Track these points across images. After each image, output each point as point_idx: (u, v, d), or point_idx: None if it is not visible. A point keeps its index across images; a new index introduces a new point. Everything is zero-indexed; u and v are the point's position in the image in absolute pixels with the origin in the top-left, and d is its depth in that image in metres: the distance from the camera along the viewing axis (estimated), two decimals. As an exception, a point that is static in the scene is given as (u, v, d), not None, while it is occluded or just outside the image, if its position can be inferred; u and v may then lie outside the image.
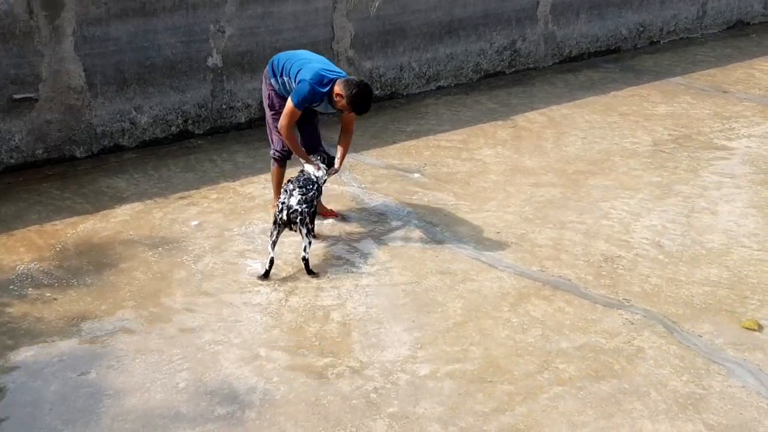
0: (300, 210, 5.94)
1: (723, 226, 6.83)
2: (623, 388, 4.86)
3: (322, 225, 6.65)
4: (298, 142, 6.46)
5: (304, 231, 5.95)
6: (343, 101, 6.11)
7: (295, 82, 6.22)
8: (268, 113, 6.59)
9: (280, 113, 6.37)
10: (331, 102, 6.25)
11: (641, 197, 7.31)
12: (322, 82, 6.14)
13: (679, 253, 6.38)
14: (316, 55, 6.48)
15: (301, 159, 6.43)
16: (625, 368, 5.03)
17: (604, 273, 6.09)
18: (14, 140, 7.47)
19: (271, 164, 6.76)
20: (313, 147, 6.60)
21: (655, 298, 5.78)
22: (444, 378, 4.92)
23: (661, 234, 6.67)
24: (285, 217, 5.94)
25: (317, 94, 6.13)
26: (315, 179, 6.26)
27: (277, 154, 6.66)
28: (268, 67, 6.52)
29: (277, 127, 6.45)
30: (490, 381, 4.90)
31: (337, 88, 6.12)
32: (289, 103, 6.16)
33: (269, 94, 6.51)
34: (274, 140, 6.65)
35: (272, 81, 6.45)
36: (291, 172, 6.65)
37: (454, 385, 4.86)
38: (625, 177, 7.73)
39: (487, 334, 5.36)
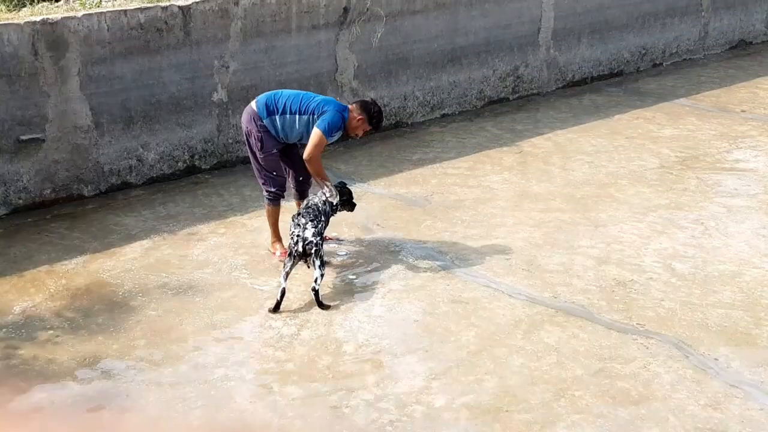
0: (315, 242, 5.98)
1: (734, 247, 6.79)
2: (641, 414, 4.81)
3: (330, 256, 6.63)
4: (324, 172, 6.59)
5: (318, 262, 5.96)
6: (365, 123, 6.47)
7: (310, 115, 6.35)
8: (259, 155, 6.51)
9: (273, 153, 6.49)
10: (345, 128, 6.46)
11: (651, 220, 7.29)
12: (345, 109, 6.44)
13: (691, 276, 6.34)
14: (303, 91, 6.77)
15: (325, 186, 6.46)
16: (642, 394, 4.99)
17: (616, 298, 6.05)
18: (22, 181, 7.49)
19: (266, 204, 6.73)
20: (306, 177, 6.67)
21: (670, 322, 5.74)
22: (460, 408, 4.88)
23: (672, 257, 6.63)
24: (300, 249, 5.97)
25: (342, 121, 6.38)
26: (325, 210, 6.28)
27: (271, 194, 6.64)
28: (257, 108, 6.45)
29: (268, 168, 6.53)
30: (506, 411, 4.86)
31: (356, 113, 6.45)
32: (319, 134, 6.28)
33: (259, 136, 6.44)
34: (266, 182, 6.62)
35: (265, 121, 6.40)
36: (285, 209, 6.65)
37: (470, 416, 4.82)
38: (634, 200, 7.71)
39: (502, 362, 5.32)
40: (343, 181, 6.94)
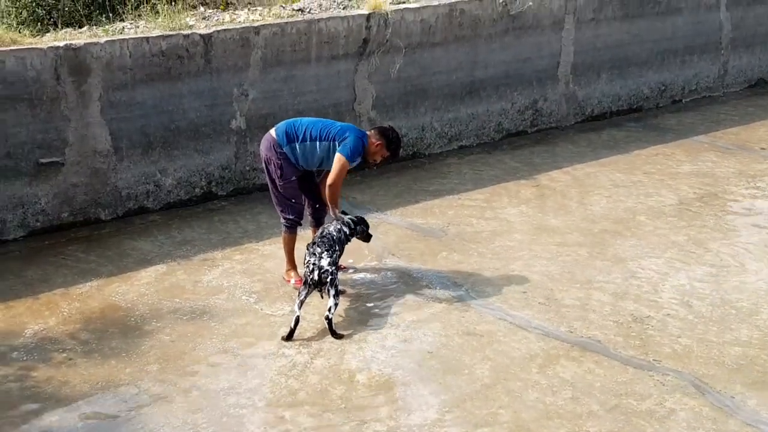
0: (330, 270, 5.98)
1: (752, 285, 6.73)
2: (657, 451, 4.76)
3: (345, 286, 6.61)
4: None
5: (333, 291, 5.95)
6: (383, 149, 6.50)
7: (330, 142, 6.37)
8: (279, 183, 6.52)
9: (292, 180, 6.51)
10: (364, 154, 6.48)
11: (669, 256, 7.23)
12: (365, 135, 6.46)
13: (708, 313, 6.28)
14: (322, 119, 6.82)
15: (336, 216, 6.47)
16: (657, 431, 4.92)
17: (633, 334, 6.00)
18: (40, 204, 7.53)
19: (283, 232, 6.72)
20: (323, 205, 6.70)
21: (686, 359, 5.68)
22: (472, 442, 4.84)
23: (690, 294, 6.58)
24: (316, 278, 5.96)
25: (363, 147, 6.41)
26: (340, 239, 6.28)
27: (289, 222, 6.64)
28: (276, 136, 6.47)
29: (287, 195, 6.54)
30: (519, 445, 4.81)
31: (374, 138, 6.48)
32: (342, 160, 6.31)
33: (279, 163, 6.46)
34: (285, 209, 6.62)
35: (285, 149, 6.42)
36: (301, 237, 6.65)
37: (483, 450, 4.77)
38: (652, 236, 7.66)
39: (516, 396, 5.27)
40: (360, 215, 6.90)
